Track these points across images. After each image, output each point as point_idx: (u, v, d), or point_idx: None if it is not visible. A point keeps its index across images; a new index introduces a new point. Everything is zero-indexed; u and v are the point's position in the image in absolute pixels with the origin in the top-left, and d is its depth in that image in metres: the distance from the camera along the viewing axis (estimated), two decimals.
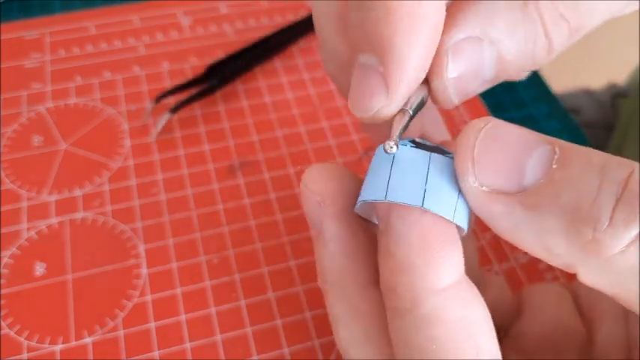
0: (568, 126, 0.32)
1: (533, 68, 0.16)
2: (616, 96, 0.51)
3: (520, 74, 0.16)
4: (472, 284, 0.15)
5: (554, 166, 0.13)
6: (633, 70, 0.55)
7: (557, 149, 0.14)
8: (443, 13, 0.15)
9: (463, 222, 0.15)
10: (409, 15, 0.14)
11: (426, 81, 0.16)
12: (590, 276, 0.13)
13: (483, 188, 0.14)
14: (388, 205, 0.15)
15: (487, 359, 0.14)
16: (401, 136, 0.15)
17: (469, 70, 0.16)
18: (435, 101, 0.17)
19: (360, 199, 0.16)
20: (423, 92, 0.16)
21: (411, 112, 0.15)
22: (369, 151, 0.30)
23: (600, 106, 0.51)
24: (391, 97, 0.15)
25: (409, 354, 0.15)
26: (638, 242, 0.12)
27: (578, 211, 0.13)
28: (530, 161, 0.14)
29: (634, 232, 0.12)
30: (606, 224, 0.12)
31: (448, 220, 0.14)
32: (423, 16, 0.14)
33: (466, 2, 0.16)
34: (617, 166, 0.13)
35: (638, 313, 0.14)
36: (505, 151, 0.14)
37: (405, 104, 0.16)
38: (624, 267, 0.13)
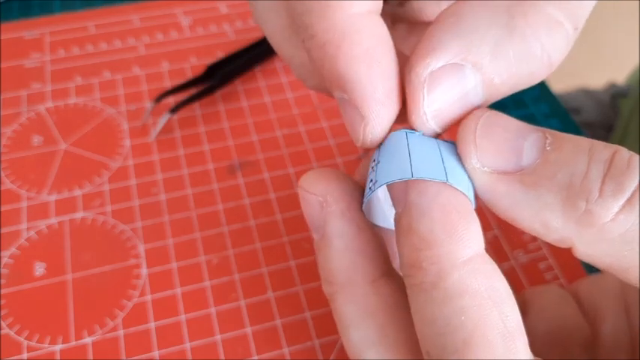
0: (568, 126, 0.32)
1: (534, 84, 0.16)
2: (616, 96, 0.51)
3: (519, 89, 0.16)
4: (490, 259, 0.15)
5: (547, 148, 0.15)
6: (633, 70, 0.55)
7: (548, 135, 0.15)
8: (378, 24, 0.15)
9: (467, 190, 0.15)
10: (335, 38, 0.14)
11: None
12: (585, 247, 0.14)
13: (485, 169, 0.15)
14: (405, 186, 0.15)
15: (513, 326, 0.14)
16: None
17: (451, 101, 0.15)
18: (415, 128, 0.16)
19: (382, 181, 0.16)
20: None
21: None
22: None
23: (600, 106, 0.51)
24: (368, 121, 0.16)
25: (438, 329, 0.15)
26: (625, 210, 0.14)
27: (572, 186, 0.14)
28: (526, 144, 0.15)
29: (621, 201, 0.14)
30: (597, 196, 0.14)
31: (464, 195, 0.15)
32: (351, 33, 0.14)
33: (442, 24, 0.15)
34: (603, 147, 0.14)
35: (631, 282, 0.15)
36: (503, 135, 0.15)
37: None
38: (616, 234, 0.14)
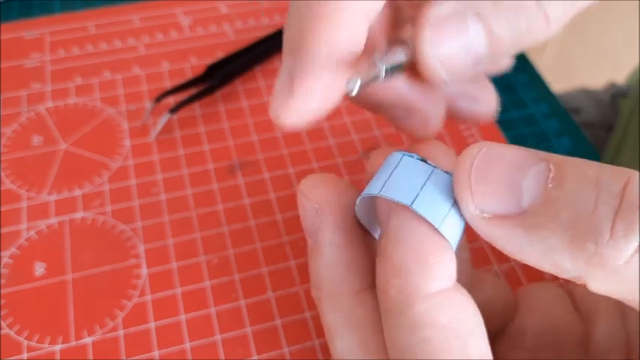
0: (568, 126, 0.32)
1: (533, 43, 0.16)
2: (616, 96, 0.51)
3: (520, 50, 0.16)
4: (464, 290, 0.15)
5: (549, 185, 0.13)
6: (633, 70, 0.55)
7: (551, 166, 0.14)
8: (365, 20, 0.15)
9: (452, 236, 0.15)
10: (321, 17, 0.15)
11: (401, 47, 0.16)
12: (598, 285, 0.13)
13: (484, 215, 0.14)
14: (388, 210, 0.15)
15: (476, 358, 0.14)
16: (403, 154, 0.16)
17: (456, 46, 0.15)
18: (426, 80, 0.16)
19: (362, 194, 0.16)
20: (398, 58, 0.16)
21: (381, 65, 0.15)
22: (369, 151, 0.30)
23: (600, 106, 0.51)
24: (294, 93, 0.16)
25: (402, 355, 0.15)
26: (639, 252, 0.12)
27: (579, 226, 0.13)
28: (525, 182, 0.14)
29: (635, 243, 0.12)
30: (607, 237, 0.13)
31: (434, 228, 0.15)
32: (337, 22, 0.15)
33: None
34: (613, 177, 0.13)
35: None
36: (500, 174, 0.14)
37: (377, 57, 0.16)
38: (630, 276, 0.13)
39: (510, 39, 0.15)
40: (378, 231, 0.18)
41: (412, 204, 0.15)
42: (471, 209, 0.14)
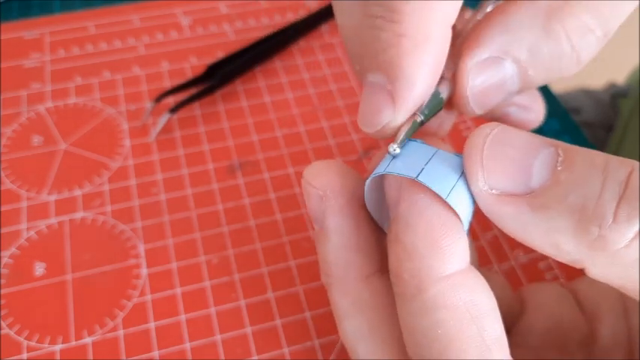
0: (568, 126, 0.32)
1: (563, 77, 0.17)
2: (615, 96, 0.51)
3: (550, 81, 0.18)
4: (477, 272, 0.15)
5: (559, 168, 0.14)
6: (633, 70, 0.55)
7: (560, 151, 0.14)
8: (449, 35, 0.16)
9: (462, 212, 0.15)
10: (418, 37, 0.15)
11: (443, 85, 0.17)
12: (597, 270, 0.14)
13: (493, 191, 0.14)
14: (397, 195, 0.16)
15: (492, 340, 0.15)
16: (407, 139, 0.16)
17: (491, 85, 0.17)
18: (457, 111, 0.18)
19: (370, 175, 0.17)
20: (437, 99, 0.17)
21: (422, 117, 0.16)
22: (369, 151, 0.30)
23: (600, 106, 0.51)
24: (398, 112, 0.16)
25: (417, 339, 0.15)
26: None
27: (585, 210, 0.13)
28: (536, 163, 0.14)
29: (637, 227, 0.13)
30: (610, 221, 0.13)
31: (454, 213, 0.15)
32: (431, 39, 0.15)
33: (490, 21, 0.17)
34: (619, 165, 0.14)
35: None
36: (512, 154, 0.14)
37: (417, 109, 0.16)
38: (629, 260, 0.13)
39: (542, 77, 0.17)
40: (387, 223, 0.19)
41: (418, 176, 0.15)
42: (480, 184, 0.15)
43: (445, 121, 0.21)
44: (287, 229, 0.27)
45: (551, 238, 0.14)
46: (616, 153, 0.45)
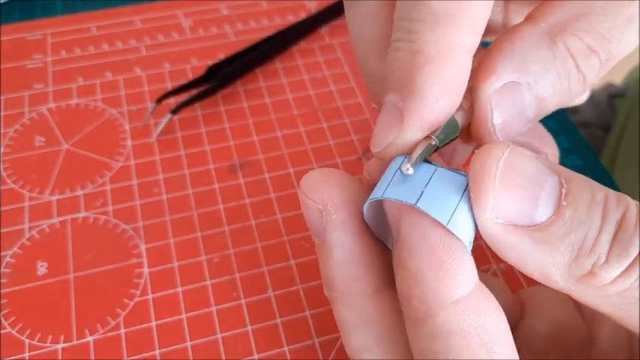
0: (565, 126, 0.32)
1: (572, 103, 0.17)
2: (613, 96, 0.51)
3: (562, 106, 0.17)
4: (487, 291, 0.15)
5: (564, 203, 0.14)
6: (630, 71, 0.56)
7: (563, 181, 0.15)
8: (467, 61, 0.16)
9: (464, 234, 0.15)
10: (431, 52, 0.15)
11: (459, 112, 0.17)
12: (582, 298, 0.15)
13: (498, 220, 0.14)
14: (398, 215, 0.15)
15: None
16: (420, 160, 0.16)
17: (513, 114, 0.17)
18: (477, 142, 0.17)
19: (368, 199, 0.16)
20: (453, 126, 0.16)
21: (436, 141, 0.16)
22: (368, 151, 0.30)
23: (597, 106, 0.51)
24: (405, 127, 0.15)
25: (427, 359, 0.15)
26: (626, 273, 0.14)
27: (582, 249, 0.14)
28: (542, 195, 0.14)
29: (624, 266, 0.14)
30: (603, 261, 0.14)
31: (455, 234, 0.14)
32: (445, 56, 0.15)
33: (498, 49, 0.17)
34: (616, 204, 0.14)
35: (629, 328, 0.15)
36: (521, 183, 0.14)
37: (432, 133, 0.16)
38: (614, 292, 0.14)
39: (555, 101, 0.17)
40: (391, 240, 0.18)
41: (416, 203, 0.14)
42: (488, 214, 0.14)
43: (460, 152, 0.21)
44: (287, 228, 0.27)
45: (545, 269, 0.14)
46: (614, 153, 0.46)
